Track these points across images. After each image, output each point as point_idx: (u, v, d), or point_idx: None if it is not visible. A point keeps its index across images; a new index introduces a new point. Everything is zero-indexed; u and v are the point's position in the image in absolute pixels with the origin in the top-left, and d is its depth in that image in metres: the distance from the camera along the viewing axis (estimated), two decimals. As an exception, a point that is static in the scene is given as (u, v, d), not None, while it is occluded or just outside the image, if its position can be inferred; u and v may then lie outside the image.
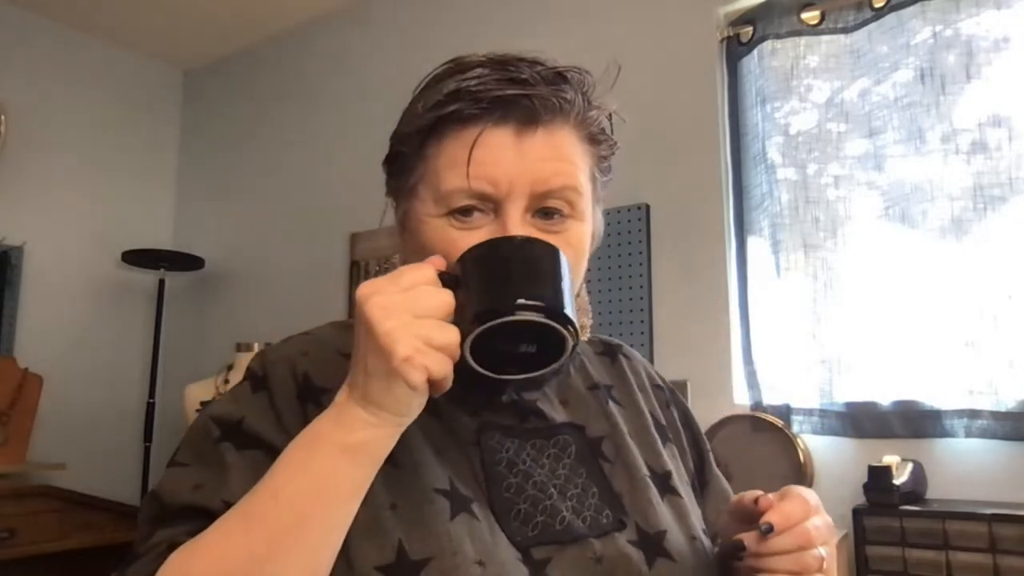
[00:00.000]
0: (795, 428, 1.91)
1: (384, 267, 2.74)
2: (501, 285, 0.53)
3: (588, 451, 0.68)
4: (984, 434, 1.68)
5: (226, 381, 2.43)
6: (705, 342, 2.07)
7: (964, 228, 1.77)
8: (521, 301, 0.51)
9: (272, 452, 0.57)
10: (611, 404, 0.72)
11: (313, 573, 0.51)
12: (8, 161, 2.98)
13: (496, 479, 0.61)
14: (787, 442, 1.90)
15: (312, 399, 0.61)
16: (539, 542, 0.59)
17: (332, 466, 0.51)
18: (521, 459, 0.63)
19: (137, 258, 3.05)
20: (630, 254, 2.18)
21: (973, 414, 1.70)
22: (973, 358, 1.71)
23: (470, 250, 0.55)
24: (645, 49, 2.30)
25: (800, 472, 1.87)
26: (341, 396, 0.53)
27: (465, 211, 0.59)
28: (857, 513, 1.64)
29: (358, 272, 2.81)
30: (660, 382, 0.81)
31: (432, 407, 0.63)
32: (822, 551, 0.56)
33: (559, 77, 0.61)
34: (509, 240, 0.56)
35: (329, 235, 2.93)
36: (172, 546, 0.54)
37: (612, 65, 0.65)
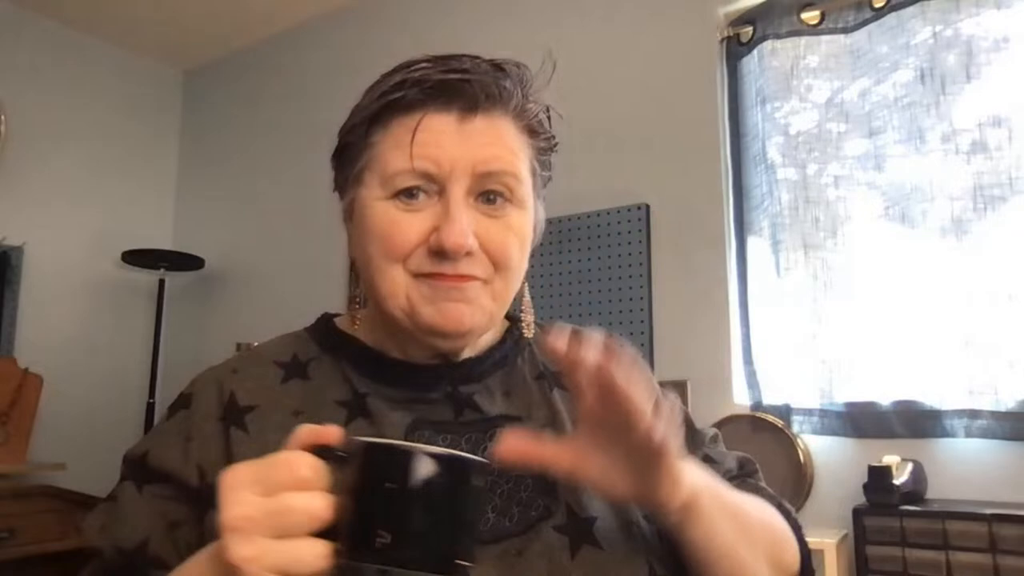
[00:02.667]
0: (795, 428, 1.91)
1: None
2: (408, 525, 0.43)
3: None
4: (984, 434, 1.68)
5: (226, 381, 2.43)
6: (705, 342, 2.07)
7: (964, 228, 1.77)
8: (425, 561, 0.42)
9: (174, 483, 0.60)
10: (555, 392, 0.71)
11: None
12: (8, 161, 2.98)
13: None
14: (787, 442, 1.90)
15: (235, 421, 0.62)
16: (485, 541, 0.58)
17: None
18: None
19: (137, 258, 3.05)
20: (630, 254, 2.18)
21: (973, 414, 1.70)
22: (973, 358, 1.71)
23: (370, 448, 0.44)
24: (645, 49, 2.30)
25: (800, 472, 1.87)
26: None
27: (410, 193, 0.61)
28: (857, 513, 1.64)
29: (358, 272, 2.80)
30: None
31: (361, 406, 0.64)
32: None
33: (497, 68, 0.64)
34: (424, 458, 0.44)
35: (329, 235, 2.92)
36: None
37: (548, 60, 0.67)
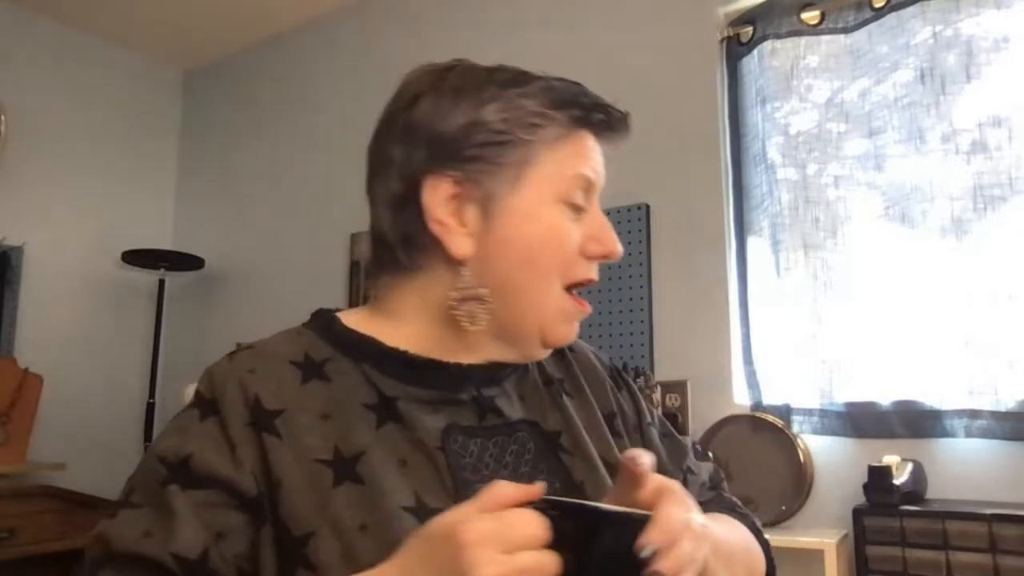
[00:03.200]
0: (795, 428, 1.91)
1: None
2: None
3: (547, 445, 0.67)
4: (984, 434, 1.68)
5: (226, 381, 2.43)
6: (705, 342, 2.07)
7: (964, 228, 1.77)
8: None
9: (225, 490, 0.56)
10: (564, 397, 0.72)
11: None
12: (8, 161, 2.98)
13: (463, 485, 0.60)
14: (787, 442, 1.90)
15: (265, 426, 0.59)
16: None
17: None
18: (484, 461, 0.63)
19: (137, 258, 3.05)
20: (630, 254, 2.18)
21: (973, 414, 1.70)
22: (973, 358, 1.71)
23: (580, 510, 0.49)
24: (645, 49, 2.30)
25: (800, 472, 1.87)
26: None
27: (576, 205, 0.65)
28: (857, 513, 1.64)
29: (358, 272, 2.81)
30: (611, 365, 0.81)
31: (391, 409, 0.62)
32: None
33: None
34: (633, 523, 0.49)
35: (329, 235, 2.93)
36: None
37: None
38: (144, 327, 3.29)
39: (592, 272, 0.66)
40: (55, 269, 3.10)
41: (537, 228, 0.63)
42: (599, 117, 0.66)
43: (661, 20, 2.30)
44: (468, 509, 0.47)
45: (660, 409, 2.10)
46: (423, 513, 0.57)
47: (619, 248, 0.66)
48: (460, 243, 0.63)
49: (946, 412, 1.73)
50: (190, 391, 2.42)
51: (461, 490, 0.60)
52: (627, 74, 2.28)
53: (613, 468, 0.68)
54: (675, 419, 2.07)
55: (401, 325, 0.67)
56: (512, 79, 0.65)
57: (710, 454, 1.94)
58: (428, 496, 0.58)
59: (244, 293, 3.21)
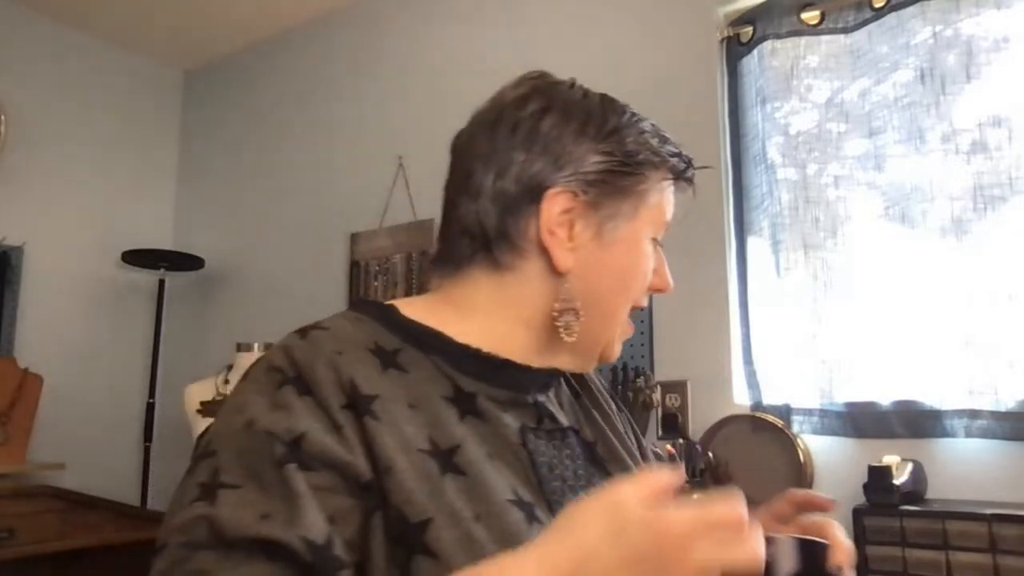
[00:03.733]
0: (795, 428, 1.91)
1: (384, 267, 2.74)
2: None
3: (588, 453, 0.70)
4: (984, 434, 1.68)
5: (226, 381, 2.43)
6: (705, 342, 2.07)
7: (964, 228, 1.77)
8: None
9: (339, 474, 0.53)
10: (592, 410, 0.76)
11: None
12: (8, 161, 2.98)
13: (547, 480, 0.63)
14: (787, 442, 1.90)
15: (365, 410, 0.56)
16: None
17: None
18: (552, 462, 0.65)
19: (137, 258, 3.05)
20: (630, 254, 2.18)
21: (973, 414, 1.70)
22: (973, 358, 1.71)
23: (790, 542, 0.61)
24: (645, 49, 2.30)
25: (800, 472, 1.87)
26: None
27: (656, 243, 0.71)
28: (857, 513, 1.64)
29: (358, 272, 2.81)
30: (604, 389, 0.84)
31: (471, 404, 0.63)
32: None
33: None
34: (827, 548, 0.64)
35: (329, 235, 2.93)
36: None
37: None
38: (144, 327, 3.29)
39: (645, 301, 0.73)
40: (55, 269, 3.11)
41: (638, 258, 0.69)
42: (690, 174, 0.74)
43: (661, 20, 2.30)
44: (630, 497, 0.46)
45: (660, 409, 2.10)
46: (523, 505, 0.58)
47: (671, 284, 0.74)
48: (565, 256, 0.65)
49: (946, 412, 1.73)
50: (191, 391, 2.44)
51: (545, 485, 0.62)
52: (627, 74, 2.28)
53: None
54: (675, 419, 2.07)
55: (469, 319, 0.67)
56: (631, 115, 0.71)
57: (710, 454, 1.94)
58: (521, 490, 0.60)
59: (244, 293, 3.21)
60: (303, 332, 0.62)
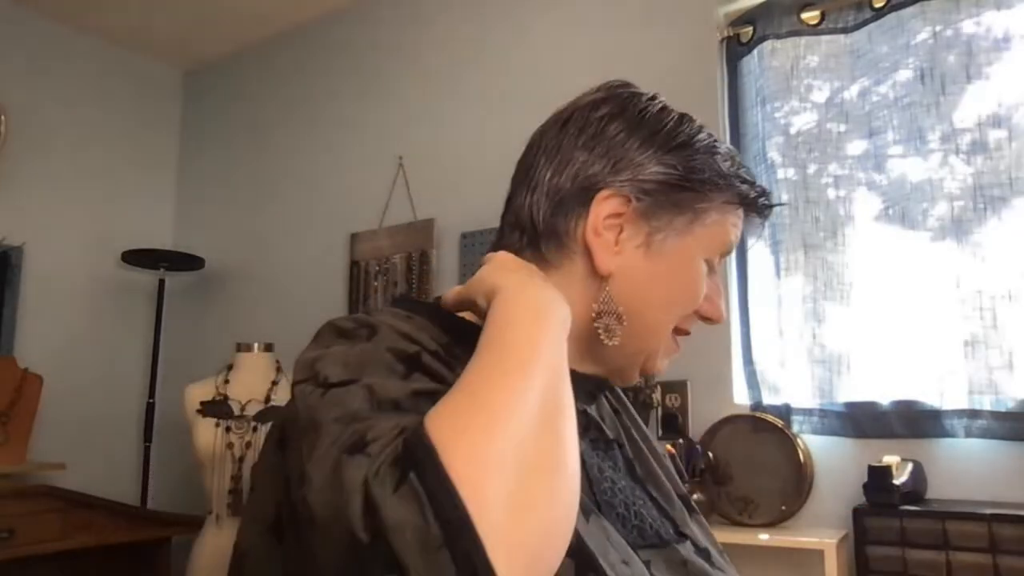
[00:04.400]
0: (795, 428, 1.91)
1: (384, 267, 2.74)
2: None
3: (629, 467, 0.71)
4: (984, 434, 1.68)
5: (226, 381, 2.43)
6: (705, 342, 2.07)
7: (964, 228, 1.77)
8: None
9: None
10: (631, 427, 0.76)
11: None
12: (8, 161, 2.98)
13: (597, 482, 0.64)
14: (787, 442, 1.90)
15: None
16: (639, 545, 0.61)
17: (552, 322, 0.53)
18: (602, 465, 0.66)
19: (137, 258, 3.05)
20: (630, 254, 2.18)
21: (973, 414, 1.70)
22: (973, 358, 1.71)
23: None
24: (645, 49, 2.30)
25: (800, 472, 1.87)
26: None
27: (712, 267, 0.69)
28: (857, 513, 1.64)
29: (358, 272, 2.81)
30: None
31: None
32: None
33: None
34: None
35: (329, 235, 2.93)
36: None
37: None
38: (144, 327, 3.29)
39: (692, 326, 0.71)
40: (55, 269, 3.10)
41: (687, 276, 0.67)
42: (763, 202, 0.71)
43: (661, 20, 2.29)
44: None
45: (660, 409, 2.10)
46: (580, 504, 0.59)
47: (723, 315, 0.71)
48: (607, 260, 0.65)
49: (946, 412, 1.73)
50: (191, 391, 2.45)
51: (595, 486, 0.63)
52: (627, 74, 2.27)
53: (683, 498, 0.74)
54: (675, 419, 2.07)
55: None
56: (707, 135, 0.71)
57: (710, 454, 1.94)
58: None
59: (244, 293, 3.21)
60: (381, 317, 0.60)
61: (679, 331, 0.69)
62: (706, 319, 0.70)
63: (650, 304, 0.66)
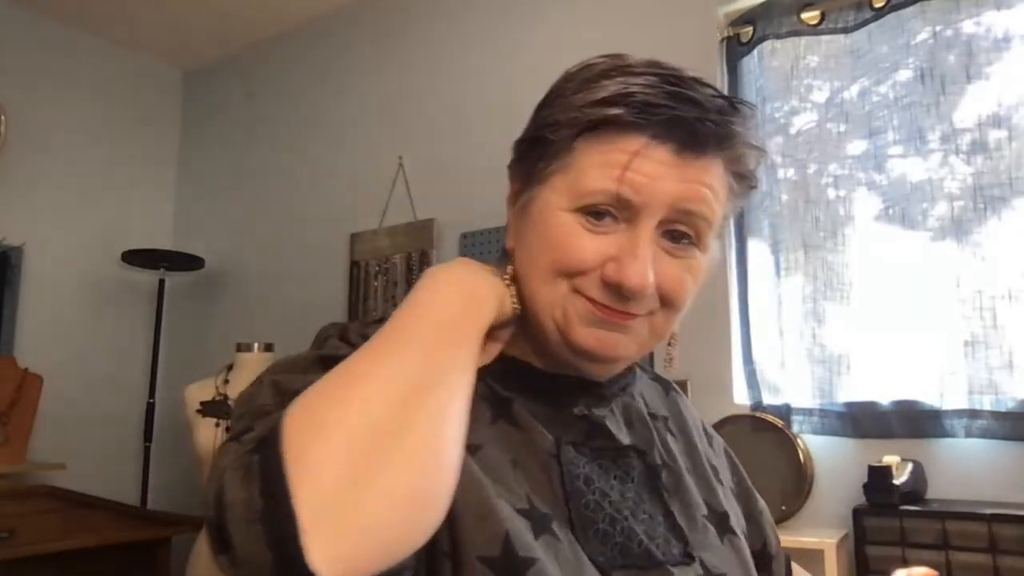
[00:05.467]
0: (795, 428, 1.91)
1: (384, 267, 2.74)
2: None
3: (650, 478, 0.65)
4: (984, 434, 1.68)
5: (226, 381, 2.43)
6: (705, 342, 2.07)
7: (964, 228, 1.77)
8: None
9: None
10: (668, 436, 0.71)
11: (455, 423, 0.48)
12: (8, 161, 2.98)
13: (576, 495, 0.59)
14: (787, 442, 1.90)
15: None
16: (620, 565, 0.57)
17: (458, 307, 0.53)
18: (592, 478, 0.62)
19: (137, 258, 3.05)
20: (630, 254, 2.17)
21: (973, 414, 1.70)
22: (973, 358, 1.71)
23: None
24: (645, 49, 2.27)
25: (800, 472, 1.87)
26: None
27: (598, 213, 0.58)
28: (857, 513, 1.64)
29: (358, 272, 2.80)
30: (706, 426, 0.81)
31: (509, 415, 0.62)
32: None
33: (731, 107, 0.60)
34: None
35: (329, 235, 2.93)
36: None
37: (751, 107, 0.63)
38: (144, 327, 3.28)
39: (605, 297, 0.58)
40: (55, 269, 3.10)
41: (545, 232, 0.60)
42: (638, 119, 0.56)
43: (661, 20, 2.29)
44: None
45: (660, 409, 2.10)
46: (534, 516, 0.56)
47: (634, 281, 0.57)
48: (509, 237, 0.64)
49: (946, 412, 1.73)
50: (191, 391, 2.45)
51: (572, 500, 0.59)
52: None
53: (719, 516, 0.68)
54: (675, 419, 2.07)
55: (522, 334, 0.65)
56: (595, 69, 0.60)
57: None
58: (537, 500, 0.58)
59: (244, 293, 3.21)
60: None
61: (590, 299, 0.59)
62: (613, 284, 0.58)
63: (523, 267, 0.62)
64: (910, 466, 1.68)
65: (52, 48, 3.20)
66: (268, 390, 0.53)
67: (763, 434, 1.93)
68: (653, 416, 0.71)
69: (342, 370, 0.47)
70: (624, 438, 0.66)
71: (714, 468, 0.73)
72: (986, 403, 1.69)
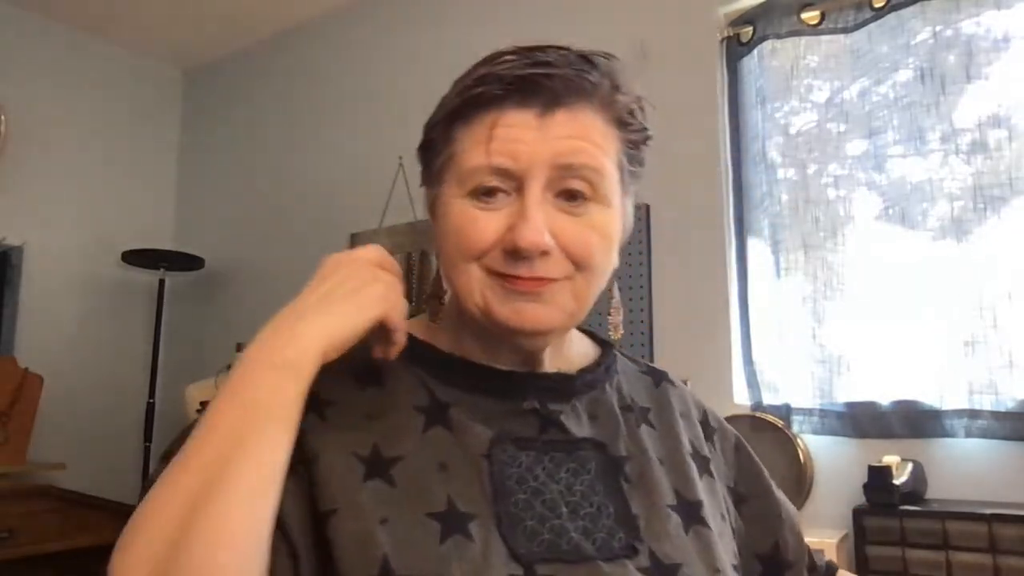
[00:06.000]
0: (795, 428, 1.91)
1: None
2: None
3: (609, 470, 0.65)
4: (984, 434, 1.68)
5: (226, 381, 2.43)
6: (705, 342, 2.07)
7: (964, 228, 1.77)
8: None
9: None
10: (643, 427, 0.70)
11: (252, 518, 0.50)
12: (8, 161, 2.98)
13: (504, 493, 0.59)
14: (787, 442, 1.90)
15: (315, 409, 0.62)
16: (544, 559, 0.57)
17: (262, 383, 0.55)
18: (534, 474, 0.62)
19: (137, 258, 3.05)
20: (630, 254, 2.18)
21: (973, 414, 1.70)
22: (973, 358, 1.71)
23: None
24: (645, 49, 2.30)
25: (800, 472, 1.87)
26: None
27: (489, 192, 0.60)
28: (857, 513, 1.64)
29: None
30: (709, 419, 0.78)
31: (444, 418, 0.63)
32: None
33: (584, 60, 0.62)
34: None
35: (329, 235, 2.92)
36: None
37: (640, 51, 0.68)
38: (144, 327, 3.28)
39: (511, 267, 0.60)
40: (55, 269, 3.10)
41: (444, 223, 0.63)
42: (493, 90, 0.60)
43: (661, 20, 2.29)
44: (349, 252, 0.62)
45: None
46: (451, 518, 0.57)
47: (528, 238, 0.58)
48: (435, 245, 0.67)
49: (946, 412, 1.73)
50: (191, 391, 2.45)
51: (500, 498, 0.59)
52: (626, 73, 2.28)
53: (689, 505, 0.66)
54: (675, 419, 2.07)
55: (448, 330, 0.69)
56: (468, 70, 0.65)
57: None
58: (460, 501, 0.58)
59: (244, 293, 3.21)
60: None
61: (502, 275, 0.60)
62: (512, 251, 0.59)
63: (443, 263, 0.66)
64: (910, 466, 1.68)
65: (52, 48, 3.20)
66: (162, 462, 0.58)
67: (763, 434, 1.93)
68: (627, 408, 0.71)
69: (150, 492, 0.52)
70: (581, 431, 0.66)
71: (702, 459, 0.72)
72: (986, 403, 1.69)
